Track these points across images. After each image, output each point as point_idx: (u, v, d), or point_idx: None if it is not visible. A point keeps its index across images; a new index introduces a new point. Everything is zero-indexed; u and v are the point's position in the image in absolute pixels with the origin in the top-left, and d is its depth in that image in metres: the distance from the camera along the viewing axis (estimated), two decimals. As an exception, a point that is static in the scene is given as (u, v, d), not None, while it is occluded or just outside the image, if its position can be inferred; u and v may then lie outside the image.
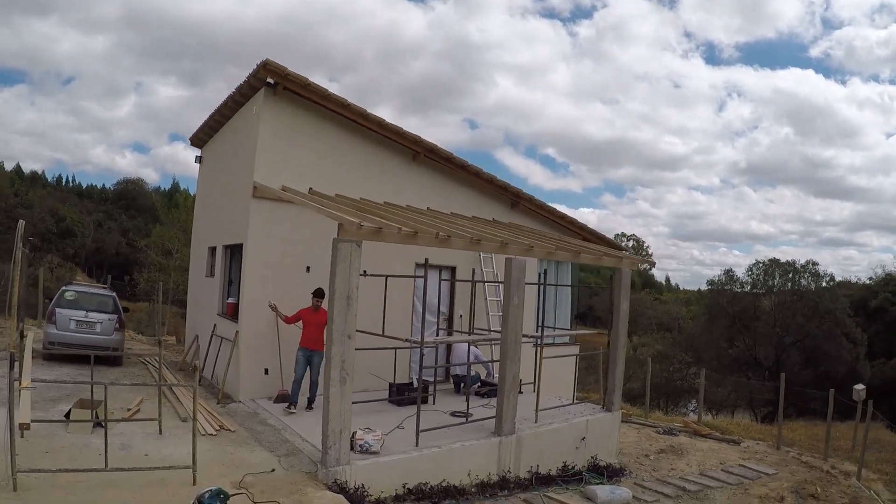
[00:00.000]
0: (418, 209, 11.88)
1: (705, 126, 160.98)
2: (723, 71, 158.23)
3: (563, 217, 14.96)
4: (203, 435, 8.12)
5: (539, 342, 10.33)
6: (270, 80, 10.37)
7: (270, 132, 10.50)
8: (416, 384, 10.47)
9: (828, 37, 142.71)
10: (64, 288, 13.07)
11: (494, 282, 11.65)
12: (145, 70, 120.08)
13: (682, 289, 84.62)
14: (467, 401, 9.58)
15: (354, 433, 7.45)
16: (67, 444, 7.33)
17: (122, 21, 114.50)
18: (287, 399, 10.07)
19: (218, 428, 8.46)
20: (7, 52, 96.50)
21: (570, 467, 9.93)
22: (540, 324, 11.02)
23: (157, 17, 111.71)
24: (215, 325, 12.08)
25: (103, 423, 7.96)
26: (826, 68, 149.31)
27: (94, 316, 12.27)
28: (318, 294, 9.69)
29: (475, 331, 11.91)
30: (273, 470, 7.11)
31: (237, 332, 10.37)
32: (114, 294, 13.47)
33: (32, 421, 6.42)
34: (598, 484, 9.49)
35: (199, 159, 15.64)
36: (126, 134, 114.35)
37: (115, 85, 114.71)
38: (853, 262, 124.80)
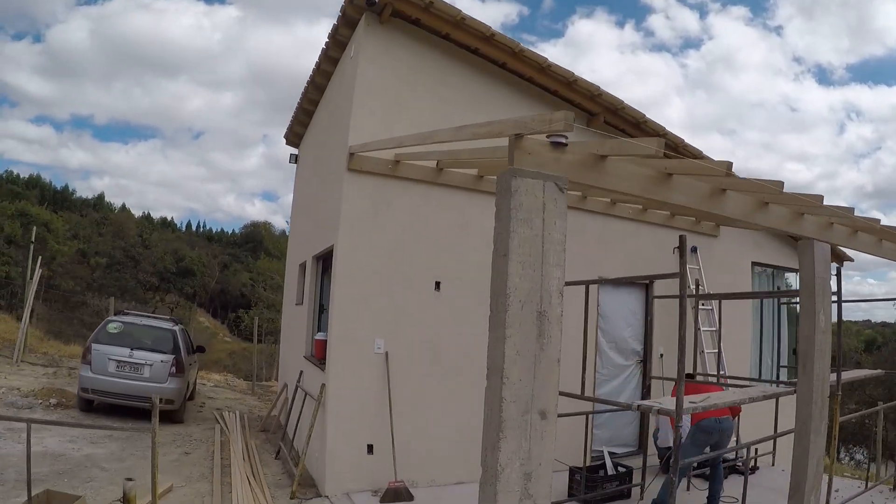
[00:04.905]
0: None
1: (827, 150, 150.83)
2: (838, 91, 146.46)
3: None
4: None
5: (836, 386, 5.74)
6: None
7: (373, 75, 6.76)
8: (610, 468, 6.64)
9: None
10: (109, 319, 9.88)
11: (789, 293, 6.53)
12: (271, 122, 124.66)
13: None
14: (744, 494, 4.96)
15: None
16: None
17: (248, 79, 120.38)
18: (401, 497, 6.10)
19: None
20: (140, 109, 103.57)
21: None
22: (837, 360, 6.31)
23: (279, 75, 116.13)
24: (301, 371, 8.38)
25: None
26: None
27: (141, 356, 8.92)
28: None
29: (719, 378, 7.37)
30: None
31: (323, 385, 6.52)
32: (176, 328, 10.07)
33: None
34: None
35: (294, 158, 12.38)
36: (255, 183, 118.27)
37: (242, 137, 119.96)
38: None
